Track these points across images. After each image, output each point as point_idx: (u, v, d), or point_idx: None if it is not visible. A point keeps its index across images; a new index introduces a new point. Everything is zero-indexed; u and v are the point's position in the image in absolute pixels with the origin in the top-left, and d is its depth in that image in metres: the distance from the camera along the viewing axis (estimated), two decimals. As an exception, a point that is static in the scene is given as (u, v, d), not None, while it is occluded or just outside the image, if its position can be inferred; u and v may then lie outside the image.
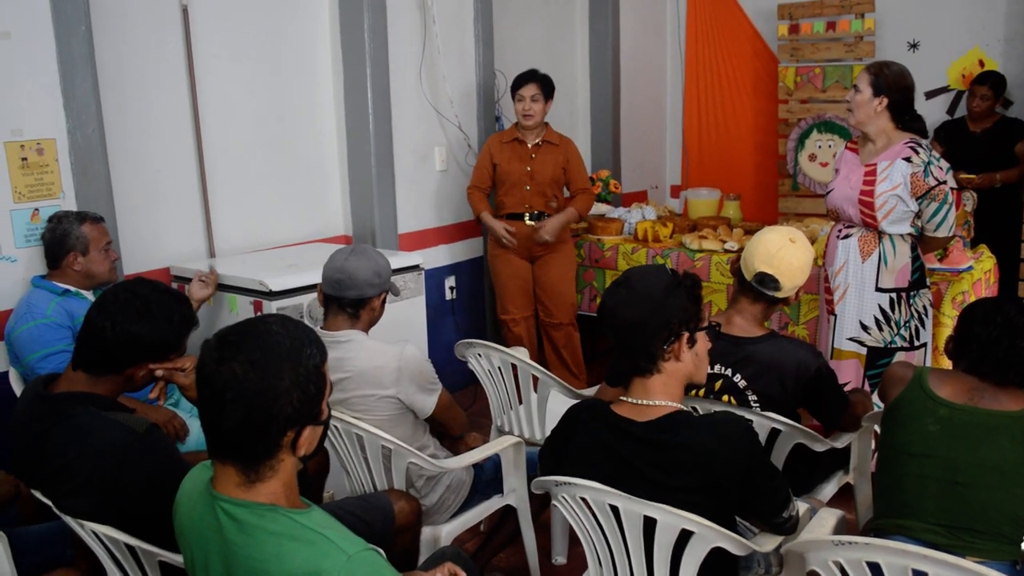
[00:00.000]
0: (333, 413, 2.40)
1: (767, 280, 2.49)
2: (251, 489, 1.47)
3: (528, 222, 4.39)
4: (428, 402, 2.58)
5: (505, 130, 4.53)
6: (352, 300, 2.53)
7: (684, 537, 1.89)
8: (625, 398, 1.99)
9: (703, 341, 2.02)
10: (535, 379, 3.08)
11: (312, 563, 1.40)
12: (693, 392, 2.53)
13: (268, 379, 1.43)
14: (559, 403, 2.92)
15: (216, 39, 3.74)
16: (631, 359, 1.97)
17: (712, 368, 2.52)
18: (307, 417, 1.49)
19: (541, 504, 2.87)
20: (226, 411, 1.42)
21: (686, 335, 1.97)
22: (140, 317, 2.00)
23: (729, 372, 2.51)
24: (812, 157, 5.78)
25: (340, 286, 2.52)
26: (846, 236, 3.31)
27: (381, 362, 2.50)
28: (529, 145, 4.38)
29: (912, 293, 3.24)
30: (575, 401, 2.60)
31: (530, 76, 4.31)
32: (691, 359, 1.99)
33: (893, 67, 3.21)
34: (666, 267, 2.06)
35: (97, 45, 3.22)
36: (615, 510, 1.94)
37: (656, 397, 1.96)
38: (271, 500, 1.47)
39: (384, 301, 2.64)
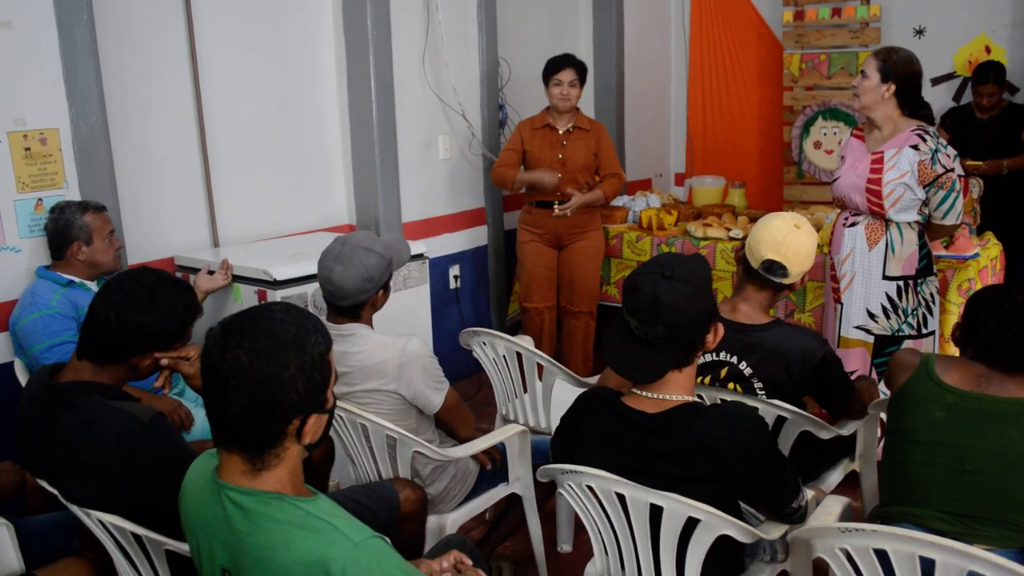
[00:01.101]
0: (338, 405, 2.41)
1: (775, 267, 2.48)
2: (257, 477, 1.47)
3: (557, 210, 4.31)
4: (433, 398, 2.55)
5: (536, 115, 4.44)
6: (348, 307, 2.52)
7: (690, 525, 1.88)
8: (638, 391, 1.97)
9: (721, 329, 2.02)
10: (540, 367, 3.08)
11: (318, 551, 1.40)
12: (699, 379, 2.53)
13: (273, 367, 1.42)
14: (564, 391, 2.92)
15: (219, 27, 3.73)
16: (674, 354, 1.92)
17: (717, 355, 2.51)
18: (312, 405, 1.49)
19: (546, 492, 2.87)
20: (231, 399, 1.42)
21: (718, 324, 1.98)
22: (144, 306, 2.00)
23: (735, 360, 2.50)
24: (817, 144, 5.76)
25: (332, 296, 2.50)
26: (852, 224, 3.29)
27: (384, 357, 2.48)
28: (560, 131, 4.31)
29: (919, 281, 3.23)
30: (580, 389, 2.60)
31: (568, 60, 4.25)
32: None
33: (901, 53, 3.19)
34: (700, 256, 2.04)
35: (99, 34, 3.21)
36: (621, 498, 1.94)
37: (672, 391, 1.94)
38: (277, 488, 1.47)
39: (386, 290, 2.61)
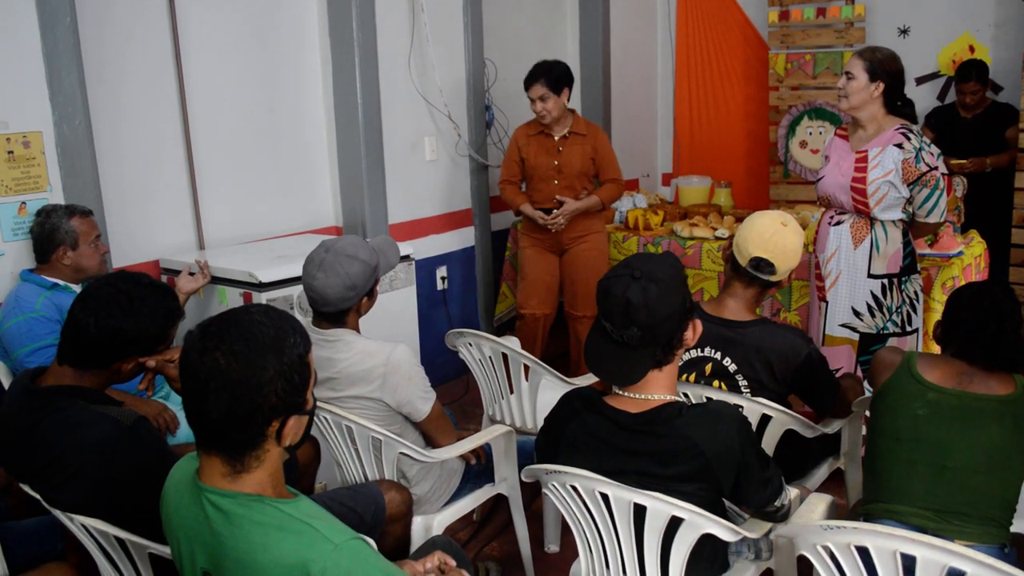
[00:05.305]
0: (322, 407, 2.41)
1: (763, 265, 2.49)
2: (237, 480, 1.47)
3: (546, 221, 4.21)
4: (421, 406, 2.53)
5: (531, 120, 4.29)
6: (331, 313, 2.51)
7: (674, 524, 1.89)
8: (621, 392, 1.97)
9: (700, 324, 2.02)
10: (526, 368, 3.08)
11: (299, 553, 1.40)
12: (684, 376, 2.54)
13: (251, 369, 1.42)
14: (550, 392, 2.92)
15: (203, 29, 3.72)
16: (652, 354, 1.92)
17: (702, 351, 2.52)
18: (292, 407, 1.49)
19: (533, 492, 2.87)
20: (210, 401, 1.42)
21: (696, 320, 1.98)
22: (123, 312, 1.98)
23: (718, 356, 2.51)
24: (803, 144, 5.78)
25: (315, 303, 2.48)
26: (837, 223, 3.31)
27: (369, 364, 2.47)
28: (556, 138, 4.21)
29: (904, 279, 3.25)
30: (566, 389, 2.60)
31: (535, 75, 4.10)
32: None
33: (883, 51, 3.21)
34: (671, 253, 2.04)
35: (83, 37, 3.19)
36: (605, 498, 1.94)
37: (654, 391, 1.94)
38: (257, 491, 1.47)
39: (371, 297, 2.59)
